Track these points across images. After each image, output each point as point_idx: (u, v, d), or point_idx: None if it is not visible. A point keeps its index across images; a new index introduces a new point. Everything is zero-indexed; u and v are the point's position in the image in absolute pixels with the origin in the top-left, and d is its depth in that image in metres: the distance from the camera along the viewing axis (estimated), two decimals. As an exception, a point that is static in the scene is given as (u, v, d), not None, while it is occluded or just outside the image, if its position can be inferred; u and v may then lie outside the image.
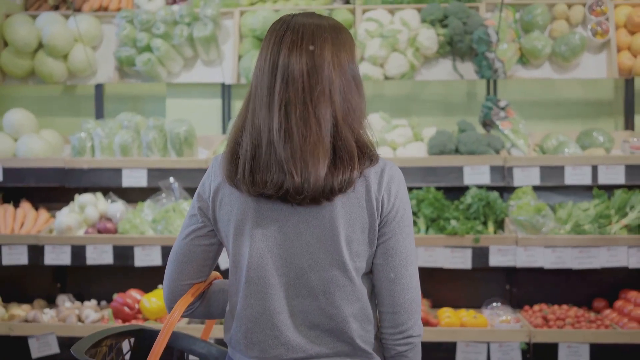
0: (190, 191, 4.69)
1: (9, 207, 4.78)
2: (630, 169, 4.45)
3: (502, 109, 4.82)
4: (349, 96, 1.91)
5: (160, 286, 4.46)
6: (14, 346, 4.26)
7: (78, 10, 5.45)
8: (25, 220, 4.72)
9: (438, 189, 4.60)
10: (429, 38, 5.01)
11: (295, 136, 1.85)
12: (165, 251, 4.38)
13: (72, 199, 4.76)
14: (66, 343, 4.22)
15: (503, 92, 5.22)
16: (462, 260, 4.30)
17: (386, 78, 5.07)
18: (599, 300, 4.50)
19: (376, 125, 4.80)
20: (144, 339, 2.30)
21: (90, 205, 4.64)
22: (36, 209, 4.88)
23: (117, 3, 5.56)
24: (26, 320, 4.36)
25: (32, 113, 5.09)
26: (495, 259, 4.28)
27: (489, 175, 4.49)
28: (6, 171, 4.72)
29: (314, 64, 1.88)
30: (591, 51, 5.11)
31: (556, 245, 4.25)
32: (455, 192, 4.63)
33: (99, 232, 4.54)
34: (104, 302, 4.70)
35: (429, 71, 5.15)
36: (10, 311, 4.49)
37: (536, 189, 4.59)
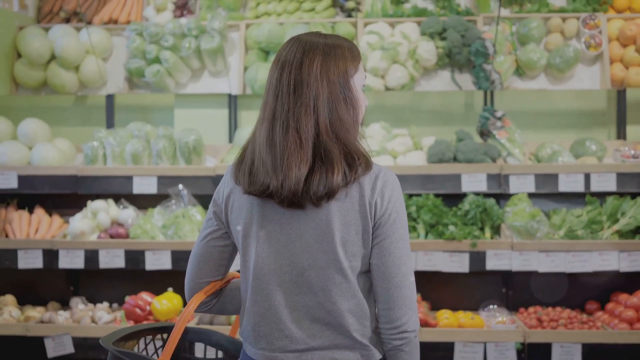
0: (199, 198, 4.84)
1: (24, 213, 4.92)
2: (622, 177, 4.56)
3: (499, 118, 4.93)
4: (336, 107, 2.07)
5: (170, 289, 4.61)
6: (30, 346, 4.40)
7: (89, 23, 5.62)
8: (39, 225, 4.86)
9: (437, 195, 4.71)
10: (429, 50, 5.14)
11: (277, 145, 2.04)
12: (175, 255, 4.53)
13: (85, 206, 4.90)
14: (81, 343, 4.37)
15: (500, 102, 5.34)
16: (460, 264, 4.41)
17: (387, 89, 5.21)
18: (591, 303, 4.62)
19: (377, 135, 4.92)
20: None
21: (102, 212, 4.79)
22: (50, 215, 5.02)
23: (126, 16, 5.72)
24: (42, 322, 4.50)
25: (45, 122, 5.24)
26: (492, 263, 4.39)
27: (486, 182, 4.60)
28: (21, 178, 4.85)
29: (300, 79, 2.06)
30: (585, 63, 5.25)
31: (550, 250, 4.36)
32: (454, 199, 4.74)
33: (111, 237, 4.69)
34: (115, 305, 4.84)
35: (428, 82, 5.29)
36: (26, 313, 4.63)
37: (531, 196, 4.70)
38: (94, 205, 4.82)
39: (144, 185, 4.78)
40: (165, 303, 4.41)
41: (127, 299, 4.50)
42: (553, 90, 5.29)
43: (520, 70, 5.23)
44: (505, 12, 5.46)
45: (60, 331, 4.37)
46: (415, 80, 5.21)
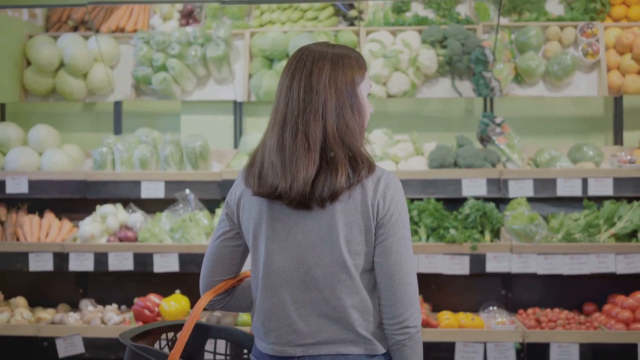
0: (205, 202, 4.94)
1: (35, 217, 5.02)
2: (618, 182, 4.65)
3: (498, 125, 5.02)
4: (344, 114, 2.18)
5: (177, 291, 4.70)
6: (42, 346, 4.51)
7: (97, 31, 5.72)
8: (50, 229, 4.97)
9: (438, 200, 4.80)
10: (429, 58, 5.24)
11: (287, 149, 2.15)
12: (183, 258, 4.63)
13: (94, 210, 5.00)
14: (91, 344, 4.47)
15: (499, 109, 5.43)
16: (460, 266, 4.50)
17: (389, 96, 5.30)
18: (589, 305, 4.70)
19: (379, 141, 5.01)
20: (195, 331, 2.53)
21: (111, 216, 4.89)
22: (59, 219, 5.12)
23: (133, 24, 5.82)
24: (53, 323, 4.60)
25: (54, 129, 5.34)
26: (492, 266, 4.48)
27: (486, 187, 4.70)
28: (32, 183, 4.96)
29: (310, 86, 2.17)
30: (582, 70, 5.33)
31: (548, 252, 4.45)
32: (454, 203, 4.83)
33: (120, 240, 4.79)
34: (124, 307, 4.93)
35: (429, 89, 5.38)
36: (37, 314, 4.73)
37: (530, 200, 4.77)
38: (103, 209, 4.93)
39: (152, 190, 4.87)
40: (173, 304, 4.51)
41: (136, 300, 4.59)
42: (551, 97, 5.37)
43: (519, 78, 5.31)
44: (504, 20, 5.55)
45: (71, 332, 4.47)
46: (416, 87, 5.30)
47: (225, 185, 4.79)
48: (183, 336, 2.30)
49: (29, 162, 5.08)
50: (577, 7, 5.52)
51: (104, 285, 5.06)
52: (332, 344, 2.20)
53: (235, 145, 5.48)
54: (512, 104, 5.51)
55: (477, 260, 4.50)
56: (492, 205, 4.69)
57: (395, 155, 4.94)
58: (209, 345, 2.59)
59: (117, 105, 5.62)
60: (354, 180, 2.15)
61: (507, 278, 4.77)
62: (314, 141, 2.14)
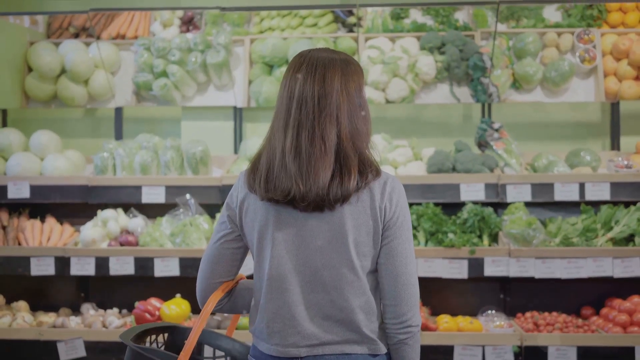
0: (206, 207, 4.97)
1: (36, 222, 5.05)
2: (615, 186, 4.67)
3: (496, 130, 5.06)
4: (354, 119, 2.23)
5: (178, 295, 4.73)
6: (44, 350, 4.52)
7: (98, 38, 5.75)
8: (51, 234, 4.99)
9: (436, 204, 4.83)
10: (428, 64, 5.28)
11: (303, 153, 2.17)
12: (183, 262, 4.65)
13: (95, 215, 5.03)
14: (92, 347, 4.49)
15: (497, 114, 5.47)
16: (459, 270, 4.52)
17: (387, 102, 5.34)
18: (587, 308, 4.73)
19: (378, 146, 5.02)
20: (177, 334, 2.58)
21: (112, 220, 4.91)
22: (61, 223, 5.14)
23: (134, 31, 5.87)
24: (54, 326, 4.62)
25: (56, 134, 5.36)
26: (490, 270, 4.50)
27: (484, 192, 4.72)
28: (33, 188, 4.98)
29: (324, 91, 2.20)
30: (580, 76, 5.38)
31: (546, 256, 4.48)
32: (453, 207, 4.85)
33: (121, 245, 4.82)
34: (125, 311, 4.95)
35: (427, 95, 5.41)
36: (38, 318, 4.76)
37: (528, 204, 4.79)
38: (104, 214, 4.95)
39: (153, 195, 4.90)
40: (174, 308, 4.53)
41: (137, 304, 4.62)
42: (549, 103, 5.41)
43: (517, 84, 5.35)
44: (502, 27, 5.59)
45: (72, 335, 4.49)
46: (415, 93, 5.34)
47: (225, 190, 4.82)
48: (192, 338, 2.30)
49: (30, 168, 5.11)
50: (574, 13, 5.56)
51: (105, 289, 5.08)
52: (337, 344, 2.23)
53: (236, 151, 5.52)
54: (510, 109, 5.54)
55: (476, 265, 4.52)
56: (490, 209, 4.72)
57: (394, 160, 4.97)
58: (208, 348, 2.61)
59: (118, 111, 5.66)
60: (362, 183, 2.19)
61: (505, 282, 4.79)
62: (329, 144, 2.17)
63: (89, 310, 4.85)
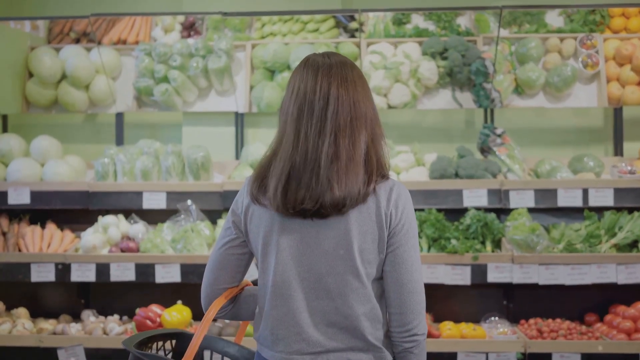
0: (207, 213, 4.95)
1: (37, 228, 5.02)
2: (619, 192, 4.66)
3: (499, 135, 5.04)
4: (375, 124, 2.23)
5: (179, 302, 4.70)
6: (43, 357, 4.49)
7: (99, 43, 5.74)
8: (52, 240, 4.96)
9: (439, 210, 4.80)
10: (430, 69, 5.26)
11: (343, 157, 2.14)
12: (184, 269, 4.62)
13: (96, 221, 5.01)
14: (93, 354, 4.46)
15: (499, 120, 5.45)
16: (461, 277, 4.50)
17: (389, 107, 5.32)
18: (590, 315, 4.70)
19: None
20: (184, 340, 2.55)
21: (113, 226, 4.89)
22: (61, 230, 5.12)
23: (135, 36, 5.85)
24: (54, 333, 4.59)
25: (56, 140, 5.34)
26: (493, 276, 4.48)
27: (487, 197, 4.70)
28: (34, 194, 4.96)
29: (357, 98, 2.20)
30: (582, 82, 5.36)
31: (550, 262, 4.45)
32: (455, 213, 4.83)
33: (122, 251, 4.79)
34: (125, 317, 4.92)
35: (429, 101, 5.40)
36: (38, 325, 4.73)
37: (531, 210, 4.77)
38: (104, 220, 4.93)
39: (154, 201, 4.88)
40: (175, 315, 4.51)
41: (138, 311, 4.59)
42: (551, 108, 5.39)
43: (519, 89, 5.33)
44: (504, 32, 5.58)
45: (73, 342, 4.46)
46: (417, 99, 5.32)
47: (227, 196, 4.80)
48: (194, 345, 2.28)
49: (31, 173, 5.08)
50: (577, 19, 5.55)
51: (106, 295, 5.05)
52: (341, 351, 2.21)
53: (237, 157, 5.49)
54: (513, 115, 5.52)
55: (479, 271, 4.50)
56: (493, 215, 4.70)
57: (397, 166, 4.95)
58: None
59: (119, 116, 5.63)
60: (371, 189, 2.19)
61: (508, 288, 4.77)
62: (362, 151, 2.17)
63: (90, 316, 4.82)
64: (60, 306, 5.07)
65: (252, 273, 4.32)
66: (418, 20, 5.78)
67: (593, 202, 4.67)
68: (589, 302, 4.77)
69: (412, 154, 5.08)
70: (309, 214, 2.16)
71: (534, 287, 4.59)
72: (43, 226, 5.13)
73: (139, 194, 4.89)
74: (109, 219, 4.93)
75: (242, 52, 5.63)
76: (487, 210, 4.81)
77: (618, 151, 5.30)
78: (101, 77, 5.58)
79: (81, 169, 5.28)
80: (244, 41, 5.64)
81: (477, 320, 4.76)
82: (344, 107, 2.17)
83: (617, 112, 5.33)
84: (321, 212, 2.15)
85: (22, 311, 4.90)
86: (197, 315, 4.67)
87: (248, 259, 2.37)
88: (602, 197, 4.67)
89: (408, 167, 4.99)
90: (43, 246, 4.91)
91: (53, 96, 5.63)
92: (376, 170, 2.22)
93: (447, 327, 4.48)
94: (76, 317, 4.99)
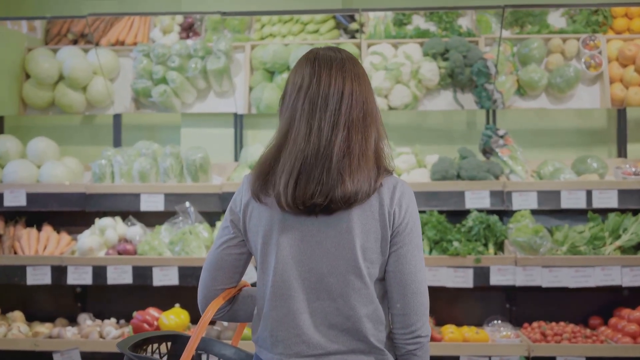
0: (206, 215, 4.89)
1: (33, 231, 4.96)
2: (623, 194, 4.60)
3: (501, 137, 4.99)
4: (380, 123, 2.20)
5: (177, 305, 4.64)
6: (39, 361, 4.45)
7: (96, 44, 5.69)
8: (48, 242, 4.91)
9: (441, 212, 4.75)
10: (431, 70, 5.22)
11: (356, 152, 2.10)
12: (182, 271, 4.56)
13: (92, 223, 4.94)
14: (89, 358, 4.41)
15: (502, 121, 5.40)
16: (464, 279, 4.45)
17: (390, 108, 5.27)
18: (595, 318, 4.64)
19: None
20: (180, 343, 2.49)
21: (110, 228, 4.84)
22: (58, 232, 5.06)
23: (133, 38, 5.80)
24: (50, 337, 4.53)
25: (54, 141, 5.30)
26: (496, 278, 4.42)
27: (489, 199, 4.65)
28: (30, 196, 4.90)
29: (368, 95, 2.17)
30: (585, 83, 5.32)
31: (553, 265, 4.39)
32: (457, 215, 4.78)
33: (119, 253, 4.74)
34: (122, 321, 4.86)
35: (430, 102, 5.34)
36: (34, 329, 4.67)
37: (533, 212, 4.72)
38: (101, 222, 4.87)
39: (152, 203, 4.82)
40: (172, 318, 4.45)
41: (135, 314, 4.53)
42: (554, 110, 5.35)
43: (521, 90, 5.29)
44: (506, 33, 5.53)
45: (68, 346, 4.41)
46: (418, 100, 5.27)
47: (225, 198, 4.74)
48: (191, 347, 2.21)
49: (27, 175, 5.03)
50: (579, 19, 5.51)
51: (103, 299, 4.99)
52: (343, 354, 2.15)
53: (236, 158, 5.45)
54: (515, 116, 5.48)
55: (481, 273, 4.45)
56: (495, 217, 4.65)
57: (398, 167, 4.90)
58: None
59: (117, 118, 5.59)
60: (376, 186, 2.14)
61: (511, 291, 4.71)
62: (371, 148, 2.14)
63: (86, 320, 4.76)
64: (56, 309, 5.01)
65: (250, 275, 4.27)
66: (419, 21, 5.74)
67: (597, 203, 4.62)
68: (593, 305, 4.71)
69: (413, 155, 5.04)
70: (317, 209, 2.10)
71: (537, 289, 4.52)
72: (39, 228, 5.07)
73: (137, 196, 4.83)
74: (106, 221, 4.87)
75: (242, 53, 5.58)
76: (490, 212, 4.75)
77: (622, 152, 5.26)
78: (99, 79, 5.53)
79: (78, 170, 5.22)
80: (243, 42, 5.59)
81: (480, 323, 4.70)
82: (358, 103, 2.14)
83: (621, 114, 5.29)
84: (330, 207, 2.09)
85: (17, 314, 4.84)
86: (195, 318, 4.61)
87: (246, 259, 2.31)
88: (606, 199, 4.62)
89: (409, 168, 4.94)
90: (39, 249, 4.86)
91: (50, 98, 5.58)
92: (383, 167, 2.18)
93: (450, 331, 4.43)
94: (72, 321, 4.93)
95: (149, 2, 6.04)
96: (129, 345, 2.31)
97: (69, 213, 5.03)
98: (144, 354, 2.41)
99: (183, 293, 4.71)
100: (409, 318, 2.15)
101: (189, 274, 4.55)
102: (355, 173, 2.09)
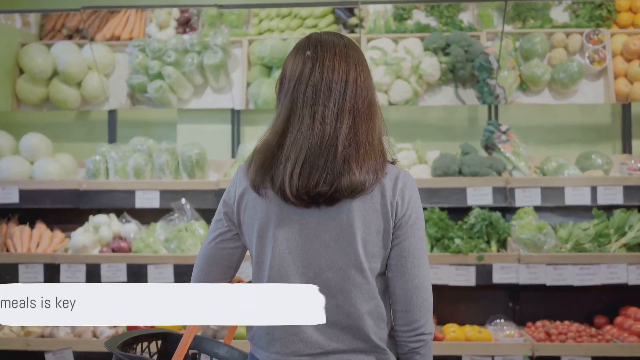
0: (202, 212, 4.79)
1: (25, 228, 4.88)
2: (628, 190, 4.52)
3: (504, 132, 4.90)
4: (381, 115, 2.12)
5: (172, 303, 4.55)
6: (31, 361, 4.35)
7: (91, 39, 5.61)
8: (41, 240, 4.83)
9: (442, 209, 4.67)
10: (432, 65, 5.14)
11: (362, 140, 2.01)
12: (178, 269, 4.48)
13: (86, 220, 4.86)
14: (82, 358, 4.31)
15: (504, 117, 5.31)
16: (466, 277, 4.36)
17: (390, 104, 5.19)
18: (600, 317, 4.56)
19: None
20: (171, 341, 2.40)
21: (104, 226, 4.75)
22: (51, 230, 4.98)
23: (129, 33, 5.72)
24: (42, 336, 4.44)
25: (47, 138, 5.21)
26: (499, 276, 4.34)
27: (492, 196, 4.57)
28: (22, 193, 4.82)
29: (370, 84, 2.10)
30: (589, 78, 5.23)
31: (558, 262, 4.31)
32: (459, 212, 4.69)
33: (114, 251, 4.65)
34: (117, 320, 4.77)
35: (431, 97, 5.27)
36: (26, 328, 4.57)
37: (537, 209, 4.64)
38: (95, 219, 4.79)
39: (147, 200, 4.75)
40: (168, 317, 4.35)
41: (130, 313, 4.43)
42: (557, 105, 5.26)
43: (524, 85, 5.21)
44: (508, 28, 5.45)
45: (61, 346, 4.32)
46: (418, 95, 5.20)
47: (222, 195, 4.64)
48: (183, 346, 2.12)
49: (20, 171, 4.95)
50: (583, 14, 5.43)
51: (97, 298, 4.88)
52: (342, 353, 2.06)
53: (233, 155, 5.37)
54: (517, 111, 5.39)
55: (484, 271, 4.36)
56: (498, 214, 4.56)
57: (398, 163, 4.79)
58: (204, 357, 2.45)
59: (112, 114, 5.50)
60: (383, 174, 2.06)
61: (514, 289, 4.62)
62: (377, 137, 2.07)
63: (80, 319, 4.66)
64: (50, 309, 4.91)
65: (247, 274, 4.17)
66: (419, 16, 5.66)
67: (602, 200, 4.53)
68: (598, 304, 4.62)
69: (414, 151, 4.96)
70: (321, 199, 2.01)
71: (541, 288, 4.44)
72: (32, 226, 4.98)
73: (132, 193, 4.76)
74: (100, 218, 4.78)
75: (239, 48, 5.50)
76: (492, 209, 4.66)
77: (626, 149, 5.17)
78: (94, 74, 5.45)
79: (72, 167, 5.14)
80: (240, 37, 5.51)
81: (482, 322, 4.61)
82: (362, 90, 2.06)
83: (625, 109, 5.20)
84: (335, 197, 2.00)
85: (9, 314, 4.74)
86: (191, 317, 4.51)
87: (241, 254, 2.22)
88: (611, 195, 4.53)
89: (410, 164, 4.87)
90: (31, 246, 4.77)
91: (44, 93, 5.49)
92: (385, 158, 2.10)
93: (451, 330, 4.34)
94: (66, 320, 4.83)
95: (144, -4, 5.95)
96: (117, 344, 2.22)
97: (63, 210, 4.94)
98: (134, 352, 2.32)
99: (179, 292, 4.61)
100: (412, 314, 2.06)
101: (185, 272, 4.46)
102: (363, 162, 2.00)
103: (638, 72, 5.13)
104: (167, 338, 2.42)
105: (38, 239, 4.83)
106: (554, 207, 4.66)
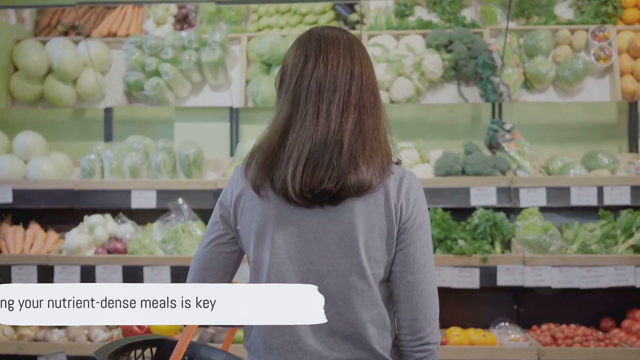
0: (199, 212, 4.71)
1: (19, 229, 4.79)
2: (636, 190, 4.43)
3: (508, 131, 4.82)
4: (384, 108, 2.03)
5: (169, 306, 4.46)
6: (24, 365, 4.26)
7: (87, 36, 5.52)
8: (34, 241, 4.74)
9: (445, 209, 4.58)
10: (434, 63, 5.05)
11: (369, 136, 1.93)
12: (174, 271, 4.39)
13: (81, 221, 4.77)
14: (76, 362, 4.23)
15: (508, 115, 5.23)
16: (470, 279, 4.28)
17: (392, 102, 5.11)
18: (607, 320, 4.48)
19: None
20: (166, 348, 2.31)
21: (99, 226, 4.67)
22: (45, 230, 4.89)
23: (125, 29, 5.63)
24: (35, 340, 4.36)
25: (42, 136, 5.12)
26: (503, 279, 4.26)
27: (496, 196, 4.48)
28: (16, 193, 4.73)
29: (375, 80, 2.02)
30: (594, 76, 5.14)
31: (563, 264, 4.22)
32: (462, 212, 4.61)
33: (109, 252, 4.57)
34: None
35: (433, 95, 5.18)
36: (19, 331, 4.49)
37: (542, 210, 4.55)
38: (91, 220, 4.70)
39: (143, 200, 4.66)
40: (164, 321, 4.26)
41: (125, 316, 4.35)
42: (562, 103, 5.18)
43: (528, 83, 5.12)
44: (511, 24, 5.36)
45: (54, 350, 4.23)
46: (420, 93, 5.11)
47: (220, 195, 4.56)
48: (179, 352, 2.04)
49: (13, 171, 4.86)
50: (588, 11, 5.34)
51: (92, 300, 4.80)
52: None
53: (232, 153, 5.28)
54: (522, 110, 5.31)
55: (488, 273, 4.28)
56: (502, 215, 4.48)
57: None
58: None
59: (108, 111, 5.42)
60: (389, 173, 1.98)
61: (519, 292, 4.55)
62: (383, 134, 1.99)
63: (74, 322, 4.57)
64: (44, 311, 4.82)
65: (245, 276, 4.09)
66: (421, 13, 5.58)
67: (608, 200, 4.45)
68: (605, 307, 4.54)
69: (416, 150, 4.88)
70: (326, 198, 1.91)
71: (547, 290, 4.36)
72: (26, 226, 4.89)
73: (127, 193, 4.67)
74: (95, 218, 4.70)
75: (238, 45, 5.41)
76: (496, 209, 4.57)
77: (633, 147, 5.08)
78: (89, 71, 5.36)
79: (67, 166, 5.04)
80: (239, 34, 5.42)
81: (487, 325, 4.52)
82: (368, 85, 1.98)
83: (632, 107, 5.12)
84: (340, 195, 1.91)
85: (2, 316, 4.65)
86: (188, 320, 4.43)
87: (237, 258, 2.13)
88: (618, 196, 4.45)
89: (412, 164, 4.79)
90: (25, 247, 4.68)
91: (39, 91, 5.40)
92: (391, 156, 2.01)
93: (455, 334, 4.27)
94: (60, 323, 4.74)
95: (141, -9, 5.86)
96: (109, 353, 2.12)
97: (57, 210, 4.86)
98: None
99: (175, 294, 4.52)
100: (417, 323, 1.97)
101: (182, 273, 4.37)
102: (369, 159, 1.92)
103: (645, 69, 5.05)
104: (162, 345, 2.33)
105: (32, 240, 4.74)
106: (559, 207, 4.57)
